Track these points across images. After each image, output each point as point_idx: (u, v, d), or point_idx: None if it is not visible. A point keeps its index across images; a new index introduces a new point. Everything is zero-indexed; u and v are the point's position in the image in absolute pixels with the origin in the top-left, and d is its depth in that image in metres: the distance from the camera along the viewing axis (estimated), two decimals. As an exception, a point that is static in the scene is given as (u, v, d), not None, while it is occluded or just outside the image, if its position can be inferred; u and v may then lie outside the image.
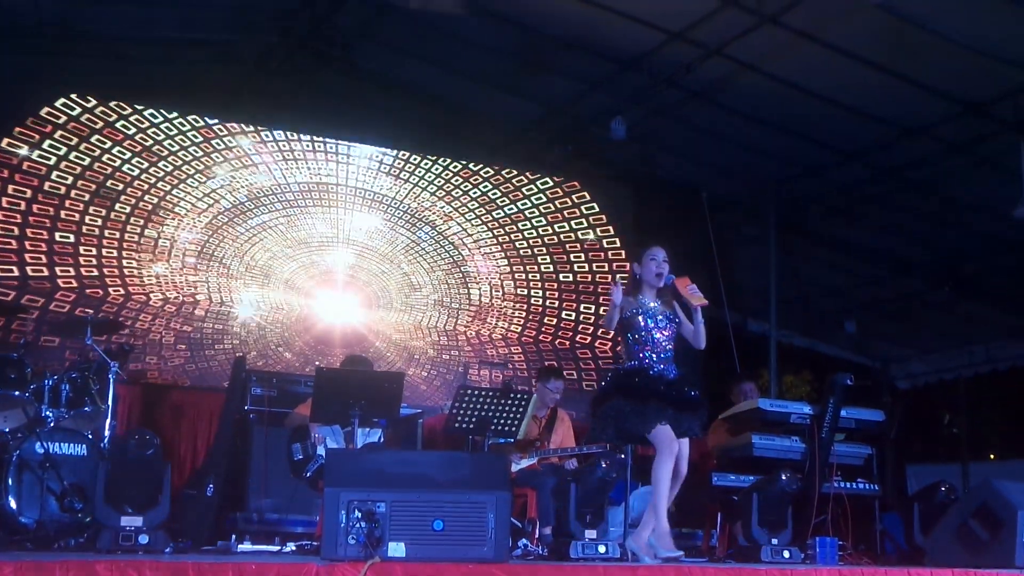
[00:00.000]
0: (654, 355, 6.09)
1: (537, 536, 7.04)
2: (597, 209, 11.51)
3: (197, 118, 10.04)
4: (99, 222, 9.47)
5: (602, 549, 5.85)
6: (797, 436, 7.28)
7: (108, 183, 9.56)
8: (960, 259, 12.11)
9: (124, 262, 9.50)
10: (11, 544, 6.14)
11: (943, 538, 6.50)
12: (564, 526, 6.03)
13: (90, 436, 6.83)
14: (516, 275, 11.12)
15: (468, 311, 10.88)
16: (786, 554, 6.38)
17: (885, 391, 14.21)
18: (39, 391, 6.87)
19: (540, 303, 11.17)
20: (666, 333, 6.13)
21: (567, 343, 11.16)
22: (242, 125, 10.23)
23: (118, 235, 9.53)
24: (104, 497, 5.68)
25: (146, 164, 9.74)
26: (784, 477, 6.59)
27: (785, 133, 10.29)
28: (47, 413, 6.83)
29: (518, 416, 7.23)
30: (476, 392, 7.26)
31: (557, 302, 11.23)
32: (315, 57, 10.21)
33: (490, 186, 11.18)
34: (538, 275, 11.20)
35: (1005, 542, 6.07)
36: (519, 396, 7.29)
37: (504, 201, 11.19)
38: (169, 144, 9.88)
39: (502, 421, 7.19)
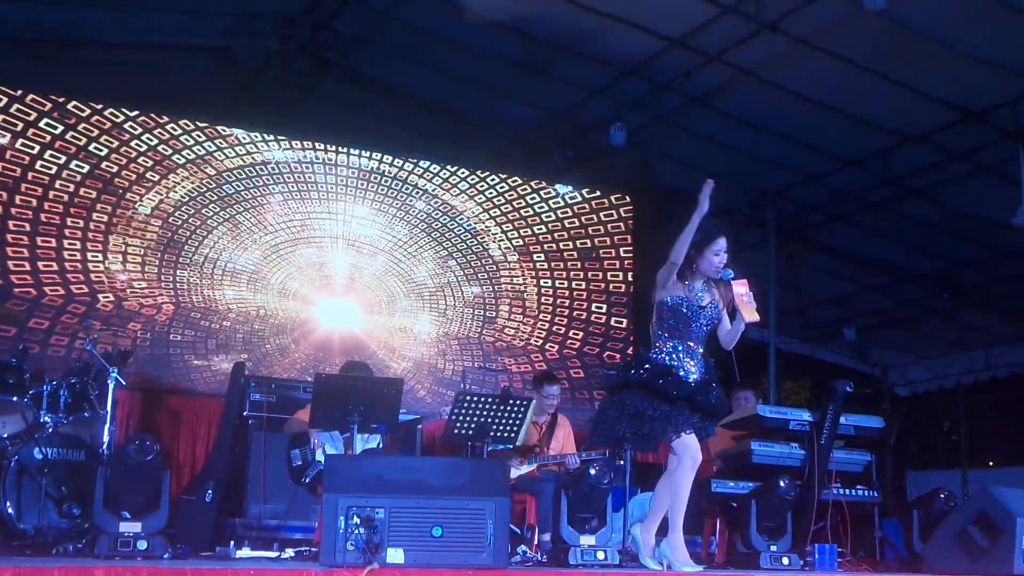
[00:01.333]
0: (687, 351, 5.67)
1: (536, 543, 7.03)
2: (596, 216, 11.52)
3: (198, 123, 10.04)
4: (102, 227, 9.47)
5: (601, 556, 5.84)
6: (796, 443, 7.27)
7: (113, 184, 9.57)
8: (959, 266, 12.13)
9: (125, 268, 9.50)
10: (10, 550, 6.13)
11: (942, 545, 6.49)
12: (558, 533, 6.03)
13: (89, 441, 6.82)
14: (515, 282, 11.12)
15: (467, 317, 10.88)
16: (785, 561, 6.38)
17: (884, 398, 14.23)
18: (38, 396, 6.85)
19: (538, 310, 11.16)
20: (706, 331, 5.70)
21: (573, 351, 11.16)
22: (244, 130, 10.22)
23: (119, 241, 9.53)
24: (103, 503, 5.67)
25: (143, 169, 9.75)
26: (783, 484, 6.59)
27: (784, 140, 10.30)
28: (46, 418, 6.81)
29: (517, 422, 7.22)
30: (475, 398, 7.25)
31: (559, 309, 11.23)
32: (315, 64, 10.23)
33: (492, 191, 11.18)
34: (547, 280, 11.20)
35: (1004, 549, 6.07)
36: (518, 402, 7.28)
37: (505, 206, 11.19)
38: (165, 149, 9.88)
39: (501, 427, 7.18)
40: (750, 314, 5.58)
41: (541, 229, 11.30)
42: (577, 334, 11.23)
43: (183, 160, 9.91)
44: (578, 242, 11.41)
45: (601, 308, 11.36)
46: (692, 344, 5.71)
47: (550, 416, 8.01)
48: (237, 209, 10.09)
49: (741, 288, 5.62)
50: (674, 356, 5.68)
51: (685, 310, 5.67)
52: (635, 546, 5.87)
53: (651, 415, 5.59)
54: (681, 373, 5.66)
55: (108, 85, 9.80)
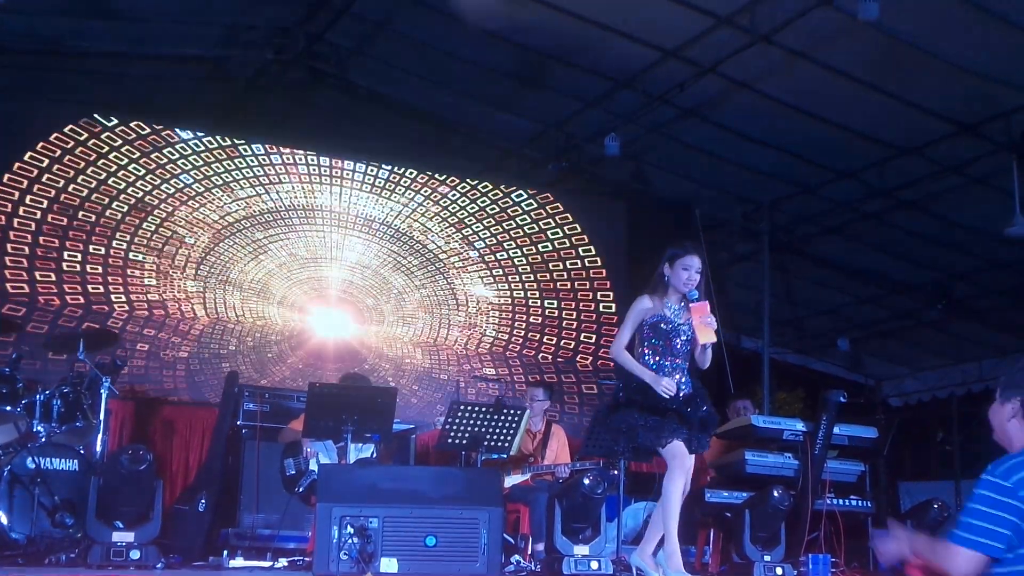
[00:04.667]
0: (672, 368, 5.67)
1: (530, 552, 7.02)
2: (590, 226, 11.53)
3: (192, 133, 10.05)
4: (104, 240, 9.47)
5: (594, 565, 5.83)
6: (790, 453, 7.28)
7: (115, 203, 9.57)
8: (953, 278, 12.15)
9: (110, 275, 9.50)
10: (2, 559, 6.11)
11: (936, 556, 6.48)
12: (551, 542, 6.03)
13: (82, 451, 6.81)
14: (511, 291, 11.12)
15: (463, 326, 10.88)
16: (779, 571, 6.38)
17: (878, 408, 14.25)
18: (31, 406, 6.84)
19: (532, 318, 11.16)
20: (686, 344, 5.69)
21: (565, 359, 11.16)
22: (236, 140, 10.23)
23: (107, 247, 9.52)
24: (96, 512, 5.67)
25: (141, 179, 9.75)
26: (777, 494, 6.60)
27: (778, 151, 10.32)
28: (39, 428, 6.80)
29: (511, 432, 7.21)
30: (469, 408, 7.24)
31: (551, 317, 11.23)
32: (310, 74, 10.24)
33: (487, 201, 11.19)
34: (535, 291, 11.20)
35: (997, 560, 6.06)
36: (512, 412, 7.28)
37: (500, 216, 11.20)
38: (160, 158, 9.88)
39: (495, 437, 7.17)
40: (705, 335, 5.57)
41: (535, 239, 11.30)
42: (569, 343, 11.23)
43: (183, 169, 9.90)
44: (571, 251, 11.41)
45: (593, 317, 11.36)
46: (677, 360, 5.71)
47: (544, 425, 8.01)
48: (229, 217, 10.08)
49: (701, 310, 5.61)
50: (659, 374, 5.65)
51: (664, 326, 5.68)
52: (643, 572, 5.81)
53: (643, 424, 5.57)
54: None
55: (102, 95, 9.80)
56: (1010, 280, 11.78)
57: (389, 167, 10.83)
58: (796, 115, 9.56)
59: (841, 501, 7.35)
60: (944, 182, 10.27)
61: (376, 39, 9.85)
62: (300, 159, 10.46)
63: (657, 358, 5.69)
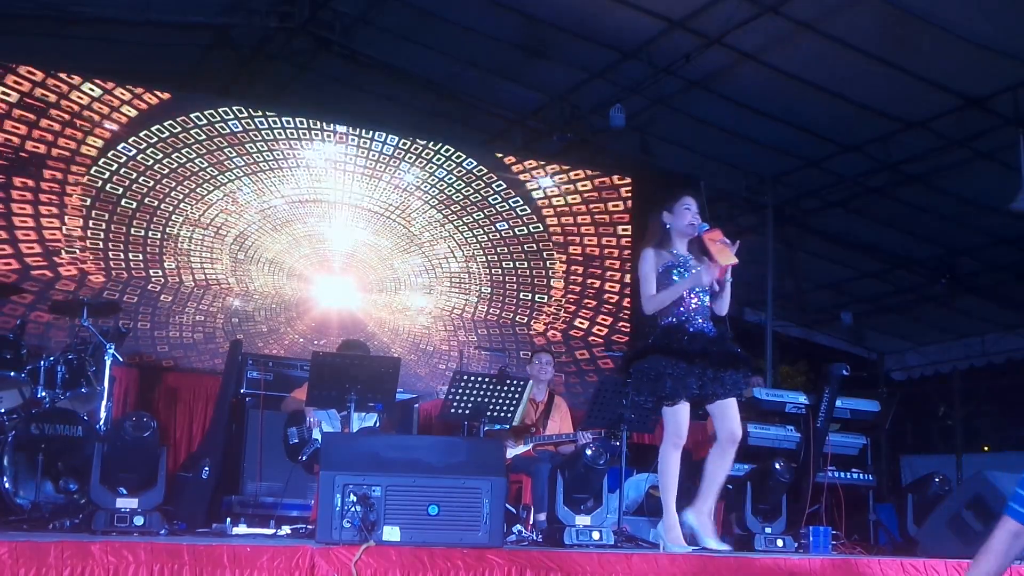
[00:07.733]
0: (691, 310, 5.73)
1: (532, 522, 7.04)
2: (594, 198, 11.51)
3: (196, 101, 10.02)
4: (106, 209, 9.46)
5: (596, 536, 5.85)
6: (792, 425, 7.30)
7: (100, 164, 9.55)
8: (957, 252, 12.14)
9: (112, 244, 9.49)
10: (6, 525, 6.13)
11: (936, 529, 6.52)
12: (553, 512, 6.05)
13: (86, 417, 6.82)
14: (513, 262, 11.11)
15: (467, 296, 10.88)
16: (779, 543, 6.39)
17: (880, 382, 14.28)
18: (35, 372, 6.85)
19: (537, 289, 11.16)
20: (703, 291, 5.75)
21: (566, 330, 11.16)
22: (241, 109, 10.20)
23: (107, 216, 9.52)
24: (100, 479, 5.66)
25: (139, 146, 9.74)
26: (778, 466, 6.60)
27: (784, 124, 10.29)
28: (43, 394, 6.82)
29: (514, 402, 7.20)
30: (472, 378, 7.22)
31: (555, 289, 11.23)
32: (314, 42, 10.20)
33: (490, 171, 11.16)
34: (538, 261, 11.19)
35: (998, 534, 6.09)
36: (515, 382, 7.26)
37: (503, 186, 11.18)
38: (168, 126, 9.86)
39: (498, 407, 7.16)
40: (726, 257, 5.53)
41: (540, 209, 11.28)
42: (572, 315, 11.23)
43: (178, 129, 9.86)
44: (576, 222, 11.39)
45: (596, 286, 11.36)
46: (693, 306, 5.75)
47: (547, 396, 8.01)
48: (237, 185, 10.07)
49: (714, 234, 5.62)
50: (683, 314, 5.72)
51: (680, 270, 5.76)
52: (695, 530, 5.83)
53: (671, 373, 5.58)
54: (692, 329, 5.69)
55: (105, 62, 9.77)
56: (1014, 255, 11.76)
57: (393, 136, 10.79)
58: (802, 87, 9.52)
59: (842, 474, 7.38)
60: (949, 156, 10.24)
61: (381, 7, 9.81)
62: (303, 126, 10.43)
63: (673, 307, 5.74)
